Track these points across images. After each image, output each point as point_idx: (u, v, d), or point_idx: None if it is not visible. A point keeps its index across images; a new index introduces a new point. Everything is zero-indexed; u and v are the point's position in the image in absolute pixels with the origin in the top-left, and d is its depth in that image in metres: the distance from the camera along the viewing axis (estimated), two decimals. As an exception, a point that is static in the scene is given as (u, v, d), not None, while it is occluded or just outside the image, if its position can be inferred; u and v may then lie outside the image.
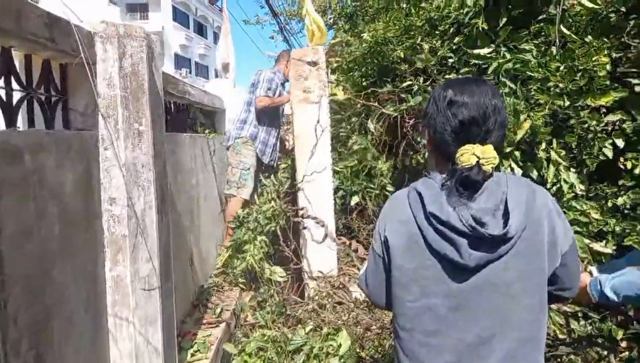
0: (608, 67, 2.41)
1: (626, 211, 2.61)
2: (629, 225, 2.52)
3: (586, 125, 2.37)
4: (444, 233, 1.07)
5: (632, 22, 2.48)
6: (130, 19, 26.42)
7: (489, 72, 2.51)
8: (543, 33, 2.53)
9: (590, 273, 1.86)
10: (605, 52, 2.40)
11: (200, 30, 31.69)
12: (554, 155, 2.31)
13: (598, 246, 2.54)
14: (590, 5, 2.34)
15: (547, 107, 2.29)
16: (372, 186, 3.54)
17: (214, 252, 3.75)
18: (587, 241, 2.54)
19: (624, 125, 2.50)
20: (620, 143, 2.50)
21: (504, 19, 2.53)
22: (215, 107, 4.10)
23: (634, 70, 2.53)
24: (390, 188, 3.47)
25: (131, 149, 1.68)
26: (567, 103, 2.29)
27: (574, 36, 2.41)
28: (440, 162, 1.17)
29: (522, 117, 2.33)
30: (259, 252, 3.46)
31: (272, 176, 3.80)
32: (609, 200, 2.60)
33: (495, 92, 1.14)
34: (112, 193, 1.68)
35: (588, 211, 2.55)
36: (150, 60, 1.76)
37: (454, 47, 2.76)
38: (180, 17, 29.39)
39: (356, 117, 3.83)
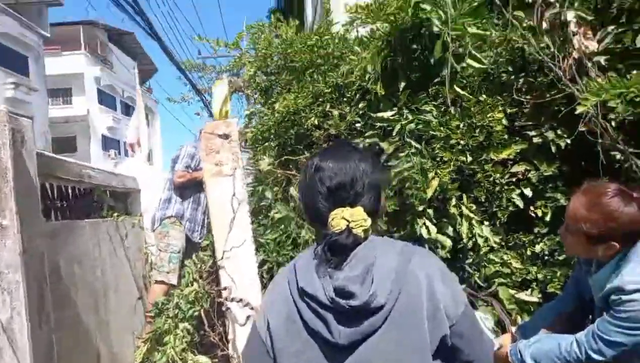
0: (504, 121, 2.52)
1: (545, 257, 2.66)
2: (549, 272, 2.54)
3: (491, 179, 2.42)
4: (315, 309, 1.00)
5: (521, 80, 2.65)
6: (53, 104, 25.72)
7: (393, 134, 2.54)
8: (440, 94, 2.63)
9: (513, 336, 1.80)
10: (500, 108, 2.53)
11: (128, 110, 31.31)
12: (465, 210, 2.33)
13: (524, 295, 2.53)
14: (477, 65, 2.47)
15: (451, 164, 2.32)
16: (298, 256, 3.40)
17: (131, 347, 3.37)
18: (512, 291, 2.52)
19: (529, 175, 2.60)
20: (528, 192, 2.58)
21: (403, 83, 2.61)
22: (128, 187, 3.87)
23: (530, 123, 2.67)
24: (316, 257, 3.35)
25: (-9, 246, 1.46)
26: (470, 158, 2.34)
27: (468, 95, 2.51)
28: (319, 232, 1.11)
29: (430, 175, 2.35)
30: (181, 341, 3.15)
31: (193, 255, 3.57)
32: (528, 249, 2.64)
33: (365, 156, 1.16)
34: (-34, 301, 1.43)
35: (509, 261, 2.56)
36: (19, 145, 1.59)
37: (360, 112, 2.80)
38: (106, 99, 29.02)
39: (277, 186, 3.75)
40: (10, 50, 20.78)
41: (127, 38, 29.60)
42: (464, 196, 2.40)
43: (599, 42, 2.51)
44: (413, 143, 2.49)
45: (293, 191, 3.56)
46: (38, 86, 21.96)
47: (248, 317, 3.13)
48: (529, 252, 2.64)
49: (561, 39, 2.48)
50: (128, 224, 3.63)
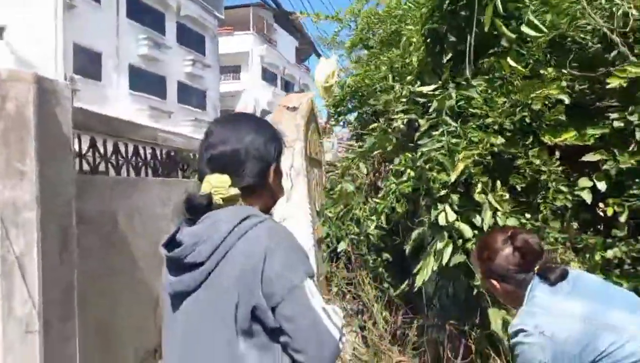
0: (565, 99, 2.13)
1: (625, 266, 2.23)
2: (625, 282, 2.14)
3: (534, 166, 2.07)
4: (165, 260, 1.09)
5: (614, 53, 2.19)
6: (224, 80, 28.84)
7: (430, 111, 2.33)
8: (494, 68, 2.31)
9: None
10: (561, 83, 2.13)
11: (287, 87, 33.51)
12: (491, 198, 2.04)
13: None
14: (534, 33, 2.11)
15: (481, 146, 2.05)
16: (358, 231, 3.39)
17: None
18: None
19: (606, 166, 2.17)
20: (602, 186, 2.17)
21: (448, 55, 2.37)
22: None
23: (615, 104, 2.21)
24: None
25: (10, 187, 1.78)
26: (502, 140, 2.04)
27: (520, 68, 2.17)
28: None
29: (459, 157, 2.11)
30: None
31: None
32: (598, 252, 2.24)
33: (259, 129, 1.17)
34: (-14, 229, 1.77)
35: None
36: (51, 103, 1.90)
37: (408, 87, 2.62)
38: (269, 76, 31.45)
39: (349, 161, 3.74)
40: (191, 30, 23.75)
41: (292, 17, 31.45)
42: (497, 183, 2.11)
43: None
44: (449, 120, 2.25)
45: (361, 166, 3.52)
46: (211, 63, 24.78)
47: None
48: (597, 257, 2.24)
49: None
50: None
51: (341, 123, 3.80)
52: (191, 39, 23.66)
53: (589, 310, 1.31)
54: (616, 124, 2.14)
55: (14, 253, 1.78)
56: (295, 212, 3.27)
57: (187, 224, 1.08)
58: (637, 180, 2.20)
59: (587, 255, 2.29)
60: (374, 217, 2.51)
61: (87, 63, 17.66)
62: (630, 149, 2.09)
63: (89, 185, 2.37)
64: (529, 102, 2.02)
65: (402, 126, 2.55)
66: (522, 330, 1.32)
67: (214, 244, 0.99)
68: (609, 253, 2.23)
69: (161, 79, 21.80)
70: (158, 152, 3.30)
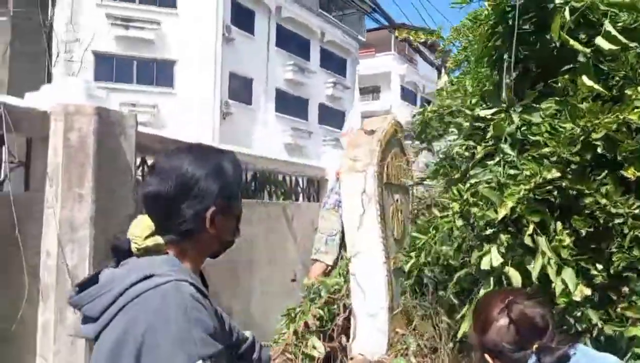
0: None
1: None
2: None
3: (605, 206, 1.68)
4: None
5: None
6: (363, 100, 29.46)
7: (487, 136, 2.06)
8: (568, 89, 1.95)
9: None
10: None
11: (428, 104, 32.82)
12: (543, 243, 1.70)
13: None
14: (609, 46, 1.73)
15: (533, 180, 1.73)
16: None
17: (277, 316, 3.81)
18: None
19: None
20: None
21: (514, 74, 2.07)
22: (309, 175, 4.34)
23: None
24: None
25: (69, 209, 2.05)
26: (556, 174, 1.69)
27: (598, 88, 1.80)
28: None
29: (509, 191, 1.82)
30: (308, 324, 3.38)
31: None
32: None
33: (191, 162, 1.05)
34: (47, 246, 2.06)
35: None
36: (114, 133, 2.15)
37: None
38: (408, 95, 31.22)
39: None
40: (333, 54, 24.85)
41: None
42: (556, 225, 1.75)
43: None
44: (506, 149, 1.96)
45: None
46: (350, 85, 25.54)
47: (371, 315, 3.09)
48: None
49: None
50: (301, 207, 4.07)
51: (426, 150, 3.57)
52: (333, 63, 24.74)
53: None
54: None
55: (67, 267, 2.02)
56: (366, 240, 3.16)
57: (114, 265, 1.04)
58: None
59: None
60: (415, 254, 2.29)
61: (240, 89, 19.62)
62: None
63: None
64: (593, 128, 1.65)
65: (466, 154, 2.30)
66: None
67: (109, 300, 0.94)
68: None
69: (304, 102, 23.15)
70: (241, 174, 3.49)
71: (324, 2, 23.79)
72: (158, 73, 17.83)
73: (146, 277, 0.95)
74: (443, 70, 4.13)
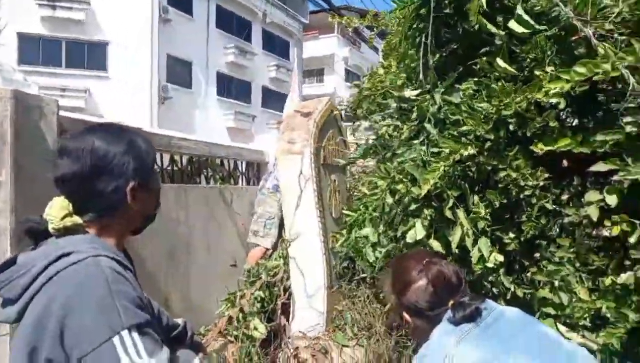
0: (561, 104, 1.84)
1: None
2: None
3: (515, 180, 1.81)
4: None
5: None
6: (307, 83, 29.40)
7: (412, 117, 2.15)
8: (485, 69, 2.06)
9: None
10: (563, 85, 1.85)
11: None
12: (460, 215, 1.82)
13: (576, 336, 1.88)
14: (521, 29, 1.84)
15: (452, 157, 1.84)
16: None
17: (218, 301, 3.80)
18: (563, 328, 1.90)
19: (616, 177, 1.86)
20: (612, 201, 1.86)
21: (437, 56, 2.16)
22: (248, 159, 4.32)
23: (630, 105, 1.89)
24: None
25: (-14, 196, 1.94)
26: (473, 151, 1.80)
27: (511, 69, 1.91)
28: None
29: (430, 168, 1.91)
30: (251, 306, 3.41)
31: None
32: (609, 277, 1.94)
33: (103, 140, 1.06)
34: (-39, 234, 1.93)
35: (575, 290, 1.93)
36: (26, 117, 2.04)
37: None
38: (352, 77, 31.50)
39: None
40: (276, 36, 24.56)
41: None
42: (473, 199, 1.88)
43: None
44: (430, 129, 2.06)
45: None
46: (296, 68, 25.41)
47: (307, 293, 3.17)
48: (608, 282, 1.94)
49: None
50: (240, 191, 4.05)
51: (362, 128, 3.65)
52: (276, 45, 24.47)
53: (486, 358, 1.12)
54: (629, 128, 1.82)
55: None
56: (304, 220, 3.21)
57: (31, 248, 1.03)
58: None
59: (599, 279, 1.98)
60: (346, 232, 2.37)
61: (179, 72, 19.00)
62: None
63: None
64: (506, 107, 1.77)
65: (394, 134, 2.38)
66: None
67: (27, 281, 0.94)
68: (622, 278, 1.91)
69: (247, 85, 22.80)
70: (178, 158, 3.43)
71: (265, -18, 23.37)
72: (89, 55, 16.88)
73: (64, 255, 0.95)
74: (380, 54, 4.22)
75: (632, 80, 1.32)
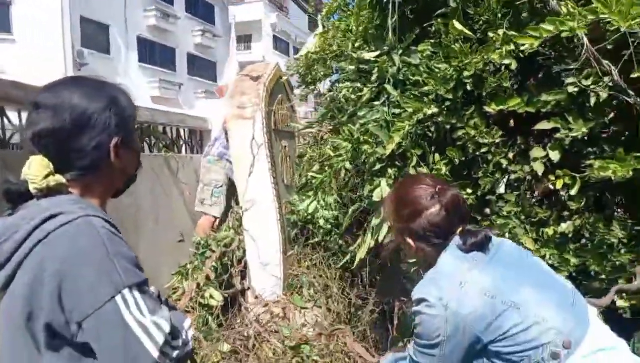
0: (513, 65, 1.95)
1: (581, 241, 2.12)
2: (575, 257, 2.04)
3: (472, 137, 1.93)
4: None
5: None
6: (235, 50, 28.51)
7: (372, 78, 2.19)
8: (441, 31, 2.14)
9: None
10: (511, 47, 1.95)
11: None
12: (424, 173, 1.92)
13: None
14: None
15: (415, 116, 1.91)
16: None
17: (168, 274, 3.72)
18: None
19: (559, 135, 2.02)
20: (555, 156, 2.02)
21: (394, 17, 2.19)
22: (190, 126, 4.17)
23: (571, 67, 2.04)
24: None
25: None
26: (435, 110, 1.89)
27: (466, 32, 2.00)
28: None
29: (394, 128, 1.98)
30: (204, 278, 3.38)
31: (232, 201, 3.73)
32: (551, 227, 2.13)
33: (83, 95, 1.00)
34: None
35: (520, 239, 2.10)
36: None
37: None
38: (280, 45, 30.97)
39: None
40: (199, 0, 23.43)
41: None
42: (435, 156, 1.98)
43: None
44: (390, 90, 2.11)
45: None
46: (221, 33, 24.46)
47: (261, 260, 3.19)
48: (550, 231, 2.12)
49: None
50: (184, 160, 3.92)
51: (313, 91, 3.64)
52: (200, 9, 23.35)
53: (497, 285, 1.21)
54: (570, 89, 1.98)
55: None
56: (258, 187, 3.19)
57: (8, 213, 0.96)
58: (590, 149, 2.05)
59: (542, 229, 2.18)
60: (311, 193, 2.41)
61: (95, 36, 17.63)
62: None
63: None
64: (464, 68, 1.86)
65: (352, 96, 2.41)
66: (424, 300, 1.23)
67: (13, 245, 0.88)
68: (562, 227, 2.12)
69: (170, 51, 21.67)
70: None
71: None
72: (-10, 16, 15.17)
73: (52, 216, 0.90)
74: (319, 18, 4.18)
75: (585, 40, 1.43)
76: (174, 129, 3.96)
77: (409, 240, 1.34)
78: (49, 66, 15.29)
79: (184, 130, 4.09)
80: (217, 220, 3.93)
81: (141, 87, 19.53)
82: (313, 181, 2.32)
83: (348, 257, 2.21)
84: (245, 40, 29.60)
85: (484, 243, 1.27)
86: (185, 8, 22.31)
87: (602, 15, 1.29)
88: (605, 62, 1.50)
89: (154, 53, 20.54)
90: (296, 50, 33.21)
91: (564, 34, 1.43)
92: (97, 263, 0.87)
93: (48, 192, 0.95)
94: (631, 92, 1.54)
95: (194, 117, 4.13)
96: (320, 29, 4.18)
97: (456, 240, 1.29)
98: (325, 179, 2.20)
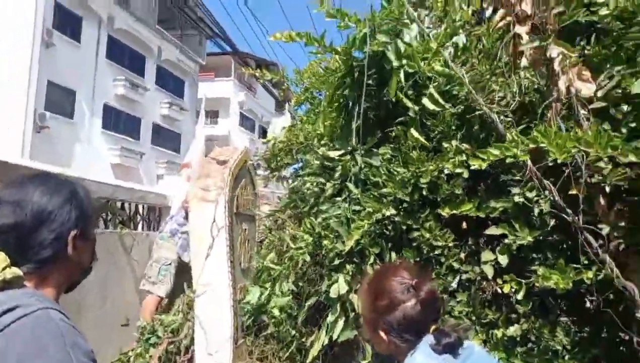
0: (465, 174, 2.11)
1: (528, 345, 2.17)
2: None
3: (427, 239, 2.03)
4: None
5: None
6: (204, 123, 28.95)
7: (335, 177, 2.30)
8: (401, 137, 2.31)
9: None
10: (462, 157, 2.13)
11: (264, 133, 33.86)
12: (381, 271, 1.98)
13: None
14: (432, 107, 2.12)
15: (374, 216, 2.00)
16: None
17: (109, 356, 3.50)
18: None
19: (507, 240, 2.14)
20: (503, 260, 2.13)
21: (359, 121, 2.36)
22: (150, 203, 4.13)
23: (517, 178, 2.21)
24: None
25: None
26: (393, 211, 1.99)
27: (422, 140, 2.17)
28: None
29: (354, 225, 2.06)
30: (148, 367, 3.20)
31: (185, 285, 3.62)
32: (500, 329, 2.18)
33: (44, 190, 1.04)
34: None
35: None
36: None
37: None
38: (246, 122, 31.77)
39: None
40: (171, 74, 24.03)
41: (272, 68, 32.17)
42: (393, 255, 2.05)
43: (600, 85, 1.99)
44: (352, 188, 2.22)
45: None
46: (188, 107, 24.93)
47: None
48: (499, 334, 2.18)
49: (545, 78, 2.03)
50: (140, 237, 3.84)
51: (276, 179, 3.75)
52: (170, 82, 23.91)
53: None
54: (516, 198, 2.14)
55: None
56: (213, 270, 3.14)
57: None
58: (535, 255, 2.18)
59: (492, 331, 2.23)
60: (271, 287, 2.41)
61: (60, 100, 17.58)
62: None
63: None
64: (421, 174, 2.00)
65: (315, 189, 2.50)
66: None
67: None
68: (511, 330, 2.18)
69: (136, 120, 21.78)
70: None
71: (164, 18, 22.93)
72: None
73: (9, 310, 0.89)
74: (287, 106, 4.41)
75: (529, 162, 1.60)
76: (133, 205, 3.91)
77: (382, 334, 1.31)
78: (7, 125, 14.99)
79: (143, 206, 4.05)
80: (164, 301, 3.78)
81: (102, 153, 19.30)
82: (271, 272, 2.32)
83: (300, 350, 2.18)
84: (212, 115, 30.22)
85: (455, 346, 1.25)
86: (155, 81, 22.80)
87: (541, 144, 1.45)
88: (546, 182, 1.65)
89: (119, 121, 20.56)
90: (262, 128, 34.07)
91: (508, 160, 1.58)
92: (54, 356, 0.87)
93: (4, 285, 0.94)
94: (569, 211, 1.69)
95: (155, 194, 4.11)
96: (288, 119, 4.37)
97: (429, 339, 1.26)
98: (283, 271, 2.21)
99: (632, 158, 1.46)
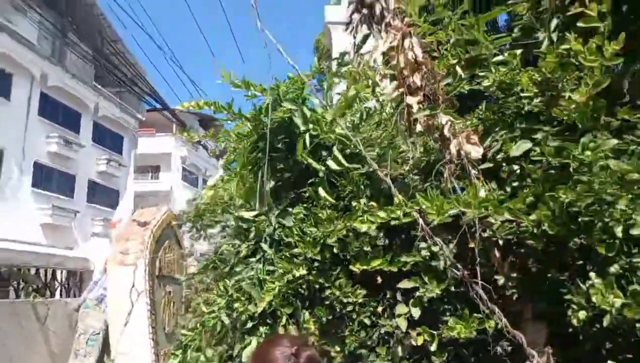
0: (372, 231, 2.21)
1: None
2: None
3: (338, 297, 2.08)
4: None
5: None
6: (142, 179, 28.19)
7: (250, 237, 2.33)
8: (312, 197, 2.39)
9: None
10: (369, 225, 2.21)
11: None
12: (293, 332, 1.99)
13: None
14: (335, 166, 2.23)
15: (285, 277, 2.04)
16: None
17: None
18: None
19: (418, 293, 2.22)
20: (416, 313, 2.19)
21: (272, 183, 2.44)
22: (70, 268, 3.94)
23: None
24: None
25: None
26: (304, 272, 2.04)
27: (330, 199, 2.26)
28: None
29: (266, 287, 2.08)
30: None
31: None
32: None
33: None
34: None
35: None
36: None
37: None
38: (189, 176, 31.27)
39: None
40: (108, 130, 23.49)
41: (215, 124, 32.25)
42: (305, 315, 2.08)
43: (487, 148, 2.19)
44: (265, 248, 2.25)
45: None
46: (127, 163, 24.29)
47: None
48: None
49: (439, 143, 2.20)
50: (57, 305, 3.63)
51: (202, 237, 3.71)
52: (108, 138, 23.33)
53: None
54: (423, 252, 2.25)
55: None
56: (133, 338, 3.01)
57: None
58: (446, 307, 2.27)
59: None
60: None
61: (-14, 159, 16.66)
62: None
63: None
64: (330, 233, 2.07)
65: (232, 250, 2.51)
66: None
67: None
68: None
69: (70, 177, 20.90)
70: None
71: (101, 75, 22.62)
72: None
73: None
74: (220, 164, 4.45)
75: (421, 221, 1.71)
76: (49, 271, 3.72)
77: None
78: None
79: (61, 271, 3.85)
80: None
81: (32, 213, 18.22)
82: (183, 337, 2.26)
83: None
84: (153, 170, 29.59)
85: None
86: (92, 137, 22.18)
87: (423, 206, 1.57)
88: (437, 239, 1.77)
89: (51, 179, 19.65)
90: (205, 183, 33.62)
91: (393, 222, 1.69)
92: None
93: None
94: (460, 266, 1.80)
95: (75, 258, 3.93)
96: (214, 180, 4.39)
97: None
98: (196, 337, 2.17)
99: (507, 216, 1.61)
